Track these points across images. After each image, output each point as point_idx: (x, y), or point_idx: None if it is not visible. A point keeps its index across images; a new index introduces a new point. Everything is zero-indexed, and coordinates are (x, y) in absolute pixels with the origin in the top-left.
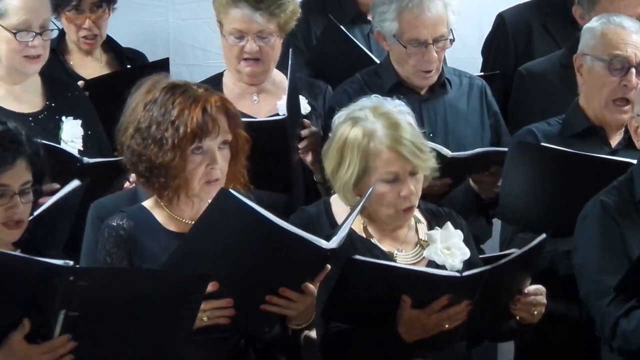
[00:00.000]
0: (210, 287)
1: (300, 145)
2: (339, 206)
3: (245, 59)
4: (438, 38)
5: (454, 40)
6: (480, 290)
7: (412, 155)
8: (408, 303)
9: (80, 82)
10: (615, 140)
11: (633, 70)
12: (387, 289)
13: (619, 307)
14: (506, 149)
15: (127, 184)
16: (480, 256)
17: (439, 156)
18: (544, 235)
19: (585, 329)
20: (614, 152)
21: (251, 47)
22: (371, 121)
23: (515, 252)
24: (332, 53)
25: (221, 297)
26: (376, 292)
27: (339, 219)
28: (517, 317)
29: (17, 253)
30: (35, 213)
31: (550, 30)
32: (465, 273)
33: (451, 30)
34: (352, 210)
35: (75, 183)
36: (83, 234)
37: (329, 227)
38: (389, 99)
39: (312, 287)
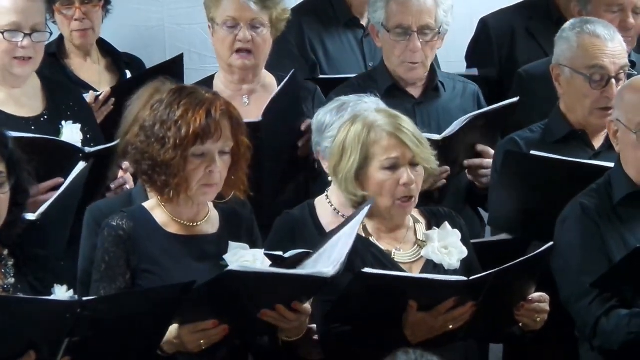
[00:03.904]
0: (211, 324)
1: (300, 144)
2: (323, 209)
3: (238, 51)
4: (423, 27)
5: (441, 33)
6: (485, 293)
7: (412, 143)
8: (415, 307)
9: (106, 90)
10: (598, 143)
11: (613, 81)
12: (394, 296)
13: (600, 307)
14: (488, 108)
15: (120, 173)
16: (472, 241)
17: (431, 144)
18: (551, 243)
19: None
20: (597, 154)
21: (244, 35)
22: (372, 114)
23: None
24: None
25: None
26: (383, 299)
27: (324, 221)
28: (520, 324)
29: (28, 296)
30: (44, 207)
31: (534, 34)
32: (472, 277)
33: (440, 28)
34: (347, 222)
35: (81, 165)
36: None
37: (315, 229)
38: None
39: (308, 307)
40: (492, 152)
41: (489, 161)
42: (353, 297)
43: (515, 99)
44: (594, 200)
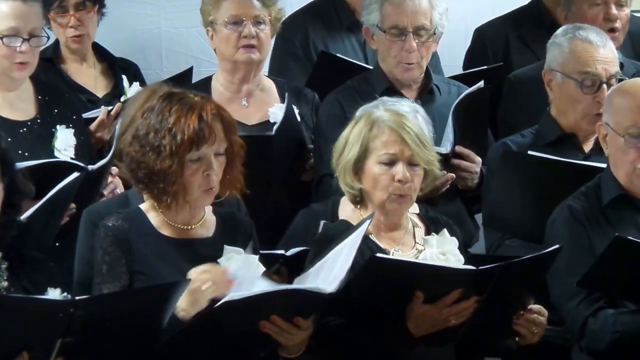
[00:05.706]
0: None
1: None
2: (345, 206)
3: (243, 47)
4: (418, 28)
5: (435, 34)
6: (489, 289)
7: (413, 142)
8: (421, 298)
9: (117, 105)
10: (588, 146)
11: (604, 86)
12: (400, 286)
13: (588, 308)
14: (461, 96)
15: (110, 178)
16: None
17: (443, 158)
18: (557, 245)
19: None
20: (587, 157)
21: (249, 30)
22: (378, 112)
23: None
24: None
25: None
26: (389, 290)
27: (343, 217)
28: (517, 338)
29: (20, 295)
30: (32, 209)
31: (526, 41)
32: (481, 267)
33: (435, 30)
34: (351, 233)
35: (74, 175)
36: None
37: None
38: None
39: (308, 322)
40: (472, 154)
41: (467, 164)
42: (360, 288)
43: (480, 83)
44: (581, 203)
